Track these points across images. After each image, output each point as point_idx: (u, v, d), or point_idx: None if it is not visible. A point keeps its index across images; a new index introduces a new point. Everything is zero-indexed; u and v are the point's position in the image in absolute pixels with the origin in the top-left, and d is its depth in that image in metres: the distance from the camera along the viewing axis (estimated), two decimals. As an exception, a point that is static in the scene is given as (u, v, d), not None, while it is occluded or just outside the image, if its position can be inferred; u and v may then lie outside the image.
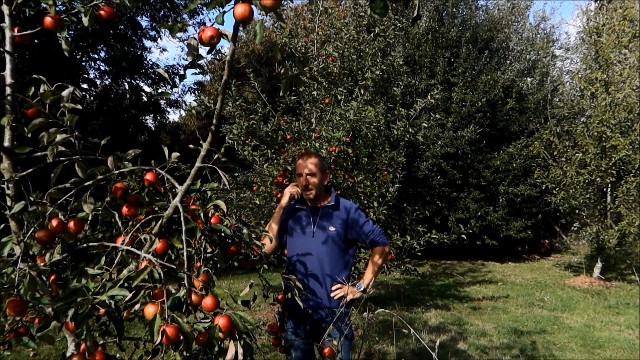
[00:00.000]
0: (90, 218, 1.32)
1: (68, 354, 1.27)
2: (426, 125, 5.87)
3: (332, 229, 2.29)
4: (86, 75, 10.87)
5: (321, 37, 5.35)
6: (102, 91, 11.16)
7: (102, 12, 1.26)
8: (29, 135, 1.30)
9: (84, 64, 10.61)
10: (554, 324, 5.26)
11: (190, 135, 16.41)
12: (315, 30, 5.40)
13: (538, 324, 5.25)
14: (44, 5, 1.24)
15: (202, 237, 1.43)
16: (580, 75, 8.37)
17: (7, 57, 1.28)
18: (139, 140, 11.75)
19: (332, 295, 2.22)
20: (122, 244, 1.28)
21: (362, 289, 2.23)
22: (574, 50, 10.98)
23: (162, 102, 12.69)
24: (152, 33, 11.42)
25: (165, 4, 10.85)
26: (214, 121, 1.27)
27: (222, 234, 1.50)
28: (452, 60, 10.89)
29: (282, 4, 1.06)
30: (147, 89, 12.83)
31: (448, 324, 5.17)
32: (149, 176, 1.36)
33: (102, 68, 11.17)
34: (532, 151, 9.62)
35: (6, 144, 1.30)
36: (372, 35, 5.09)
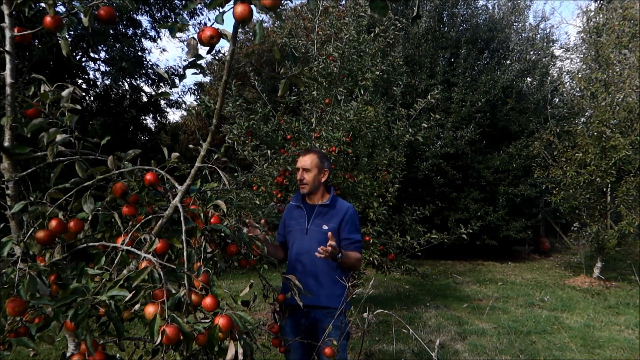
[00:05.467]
0: (90, 218, 1.32)
1: (68, 354, 1.28)
2: (426, 125, 5.87)
3: (325, 227, 2.30)
4: (86, 76, 10.85)
5: (321, 37, 5.35)
6: (102, 91, 11.14)
7: (102, 12, 1.26)
8: (29, 135, 1.30)
9: (84, 64, 10.60)
10: (554, 324, 5.26)
11: (190, 135, 16.40)
12: (315, 30, 5.40)
13: (538, 324, 5.25)
14: (44, 5, 1.24)
15: (202, 237, 1.43)
16: (580, 75, 8.38)
17: (7, 57, 1.28)
18: (139, 140, 11.72)
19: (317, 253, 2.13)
20: (122, 244, 1.28)
21: (338, 256, 2.17)
22: (574, 50, 10.96)
23: (162, 102, 12.67)
24: (152, 33, 11.40)
25: (166, 4, 10.83)
26: (214, 121, 1.27)
27: (222, 234, 1.50)
28: (452, 60, 10.89)
29: (281, 4, 1.06)
30: (147, 89, 12.77)
31: (448, 324, 5.17)
32: (149, 176, 1.36)
33: (103, 68, 11.16)
34: (532, 151, 9.61)
35: (6, 144, 1.31)
36: (372, 35, 5.09)
